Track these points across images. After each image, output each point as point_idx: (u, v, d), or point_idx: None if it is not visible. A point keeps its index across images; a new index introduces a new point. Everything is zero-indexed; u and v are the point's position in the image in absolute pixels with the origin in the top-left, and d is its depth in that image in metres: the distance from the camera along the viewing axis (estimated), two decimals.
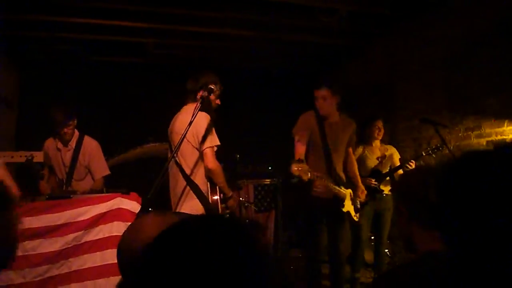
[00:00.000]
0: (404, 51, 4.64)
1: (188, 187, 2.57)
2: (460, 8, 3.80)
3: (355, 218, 3.23)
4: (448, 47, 3.93)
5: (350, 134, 3.31)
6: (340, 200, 3.12)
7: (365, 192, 3.32)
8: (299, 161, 2.70)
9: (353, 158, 3.46)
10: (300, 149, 3.04)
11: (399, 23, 4.54)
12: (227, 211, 2.67)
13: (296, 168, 2.66)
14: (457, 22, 3.83)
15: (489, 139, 3.57)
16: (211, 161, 2.53)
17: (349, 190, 3.23)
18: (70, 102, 3.36)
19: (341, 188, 3.12)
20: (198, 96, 2.61)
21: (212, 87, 2.50)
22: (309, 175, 2.70)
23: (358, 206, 3.31)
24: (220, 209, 2.61)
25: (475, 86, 3.62)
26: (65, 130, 3.21)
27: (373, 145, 3.92)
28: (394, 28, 4.67)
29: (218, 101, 2.74)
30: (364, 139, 3.93)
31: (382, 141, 4.00)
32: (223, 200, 2.64)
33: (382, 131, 3.89)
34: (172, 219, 1.53)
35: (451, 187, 0.64)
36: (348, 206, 3.19)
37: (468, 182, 0.62)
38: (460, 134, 3.85)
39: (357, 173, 3.41)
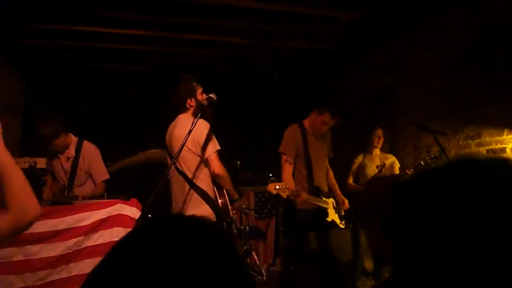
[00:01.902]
0: (404, 59, 4.66)
1: (193, 193, 2.61)
2: (459, 15, 3.83)
3: (341, 226, 3.26)
4: (448, 55, 3.95)
5: (328, 143, 3.39)
6: (323, 211, 3.16)
7: (346, 200, 3.35)
8: (275, 180, 2.79)
9: (330, 170, 3.50)
10: (288, 169, 3.14)
11: (398, 30, 4.58)
12: (234, 212, 2.72)
13: (273, 187, 2.77)
14: (456, 30, 3.85)
15: (489, 147, 3.57)
16: (218, 167, 2.56)
17: (331, 199, 3.27)
18: (56, 115, 3.33)
19: (322, 198, 3.17)
20: (188, 104, 2.66)
21: (212, 95, 2.53)
22: (288, 191, 2.79)
23: (342, 213, 3.34)
24: (230, 212, 2.67)
25: (475, 94, 3.63)
26: (55, 143, 3.19)
27: (373, 153, 3.95)
28: (393, 35, 4.71)
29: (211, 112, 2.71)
30: (364, 147, 3.96)
31: (382, 150, 4.02)
32: (230, 202, 2.69)
33: (382, 139, 3.91)
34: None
35: (401, 209, 0.60)
36: (332, 215, 3.23)
37: (418, 204, 0.58)
38: (460, 143, 3.86)
39: (335, 184, 3.46)
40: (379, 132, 3.90)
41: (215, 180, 2.68)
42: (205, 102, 2.49)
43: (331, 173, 3.49)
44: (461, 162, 0.61)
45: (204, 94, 2.68)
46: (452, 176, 0.58)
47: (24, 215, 1.05)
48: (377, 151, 3.96)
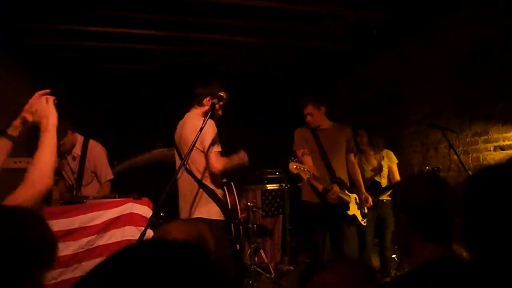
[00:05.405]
0: (411, 57, 4.66)
1: (202, 192, 2.61)
2: (468, 15, 3.81)
3: (362, 223, 3.26)
4: (455, 52, 3.94)
5: (347, 139, 3.37)
6: (344, 204, 3.15)
7: (370, 198, 3.36)
8: (298, 161, 2.81)
9: (355, 164, 3.51)
10: (309, 161, 3.13)
11: (406, 29, 4.56)
12: (242, 214, 2.73)
13: (294, 167, 2.76)
14: (463, 28, 3.85)
15: (497, 144, 3.57)
16: (215, 164, 2.54)
17: (354, 195, 3.27)
18: (62, 116, 3.37)
19: (345, 191, 3.17)
20: (205, 101, 2.67)
21: (222, 94, 2.54)
22: (309, 174, 2.80)
23: (365, 211, 3.33)
24: (239, 213, 2.69)
25: (483, 91, 3.62)
26: (63, 141, 3.18)
27: (367, 153, 3.98)
28: (401, 33, 4.70)
29: (220, 112, 2.75)
30: (358, 149, 4.03)
31: (378, 147, 4.02)
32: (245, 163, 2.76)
33: (365, 139, 3.97)
34: (196, 225, 1.63)
35: (474, 203, 0.64)
36: (354, 210, 3.22)
37: (490, 196, 0.62)
38: (467, 139, 3.85)
39: (360, 180, 3.45)
40: (361, 132, 3.97)
41: (225, 177, 2.70)
42: (216, 100, 2.49)
43: (357, 168, 3.49)
44: None
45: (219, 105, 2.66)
46: None
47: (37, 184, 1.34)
48: (369, 151, 4.00)
